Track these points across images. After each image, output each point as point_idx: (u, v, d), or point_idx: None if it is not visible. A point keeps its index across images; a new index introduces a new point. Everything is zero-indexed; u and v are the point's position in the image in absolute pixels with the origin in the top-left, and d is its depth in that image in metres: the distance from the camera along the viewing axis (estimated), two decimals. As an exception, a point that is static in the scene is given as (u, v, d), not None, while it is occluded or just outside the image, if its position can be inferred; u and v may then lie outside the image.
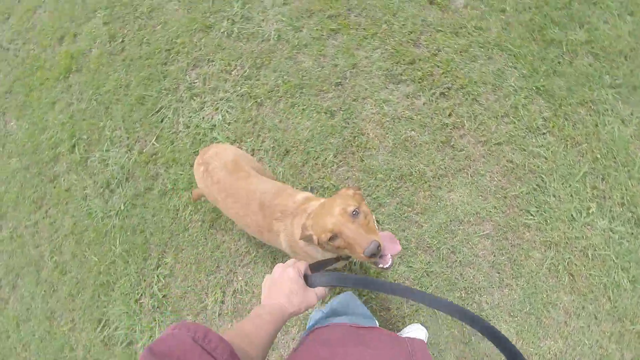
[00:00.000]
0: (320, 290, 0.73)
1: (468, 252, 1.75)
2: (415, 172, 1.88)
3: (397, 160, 1.91)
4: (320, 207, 1.07)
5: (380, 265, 0.96)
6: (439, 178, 1.87)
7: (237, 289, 1.86)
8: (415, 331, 1.63)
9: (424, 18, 2.14)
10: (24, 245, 2.28)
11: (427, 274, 1.74)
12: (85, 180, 2.26)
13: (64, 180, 2.32)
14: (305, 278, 0.74)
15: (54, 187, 2.33)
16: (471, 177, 1.86)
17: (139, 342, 1.89)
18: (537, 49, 2.00)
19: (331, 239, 0.97)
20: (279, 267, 0.74)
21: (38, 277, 2.18)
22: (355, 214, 0.97)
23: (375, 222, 1.78)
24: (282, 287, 0.70)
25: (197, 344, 0.45)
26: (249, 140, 2.08)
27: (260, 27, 2.32)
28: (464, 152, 1.89)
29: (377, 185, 1.88)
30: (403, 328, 1.68)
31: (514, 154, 1.86)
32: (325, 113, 2.05)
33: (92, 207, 2.19)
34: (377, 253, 0.91)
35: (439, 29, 2.11)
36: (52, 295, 2.12)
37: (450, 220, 1.79)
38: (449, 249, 1.76)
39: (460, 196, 1.83)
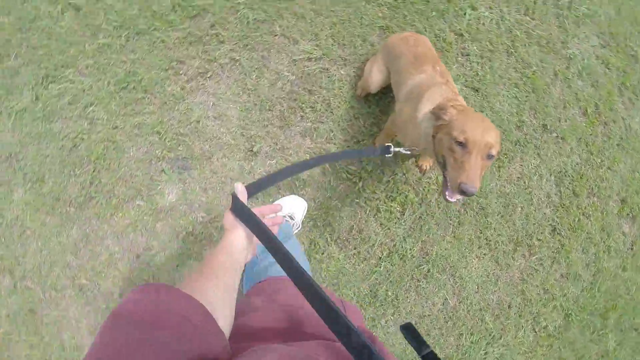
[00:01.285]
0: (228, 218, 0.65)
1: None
2: None
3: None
4: (473, 113, 1.01)
5: (448, 197, 0.95)
6: None
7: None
8: (293, 202, 1.55)
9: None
10: None
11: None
12: None
13: None
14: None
15: None
16: None
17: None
18: None
19: (460, 143, 0.91)
20: None
21: None
22: (490, 157, 0.93)
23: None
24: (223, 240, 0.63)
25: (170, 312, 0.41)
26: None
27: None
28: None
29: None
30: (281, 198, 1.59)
31: None
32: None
33: None
34: (465, 194, 0.88)
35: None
36: None
37: None
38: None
39: None
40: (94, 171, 1.62)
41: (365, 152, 1.34)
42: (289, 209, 1.51)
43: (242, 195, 0.68)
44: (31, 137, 1.69)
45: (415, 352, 0.49)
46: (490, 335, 1.75)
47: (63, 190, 1.66)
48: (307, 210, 1.59)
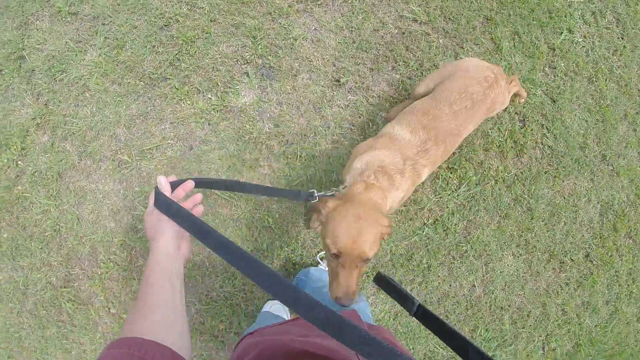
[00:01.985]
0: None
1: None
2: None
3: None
4: (354, 207, 0.90)
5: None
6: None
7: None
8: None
9: None
10: None
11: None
12: None
13: None
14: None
15: None
16: None
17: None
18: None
19: (334, 255, 0.86)
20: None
21: None
22: (366, 260, 0.86)
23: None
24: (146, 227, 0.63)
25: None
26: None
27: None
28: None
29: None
30: None
31: None
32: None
33: None
34: (343, 306, 0.84)
35: None
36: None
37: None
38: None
39: None
40: (177, 53, 1.61)
41: (290, 193, 1.10)
42: None
43: (166, 190, 0.65)
44: (126, 6, 1.69)
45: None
46: (502, 338, 1.72)
47: (139, 64, 1.64)
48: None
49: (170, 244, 0.60)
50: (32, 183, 1.74)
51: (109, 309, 1.70)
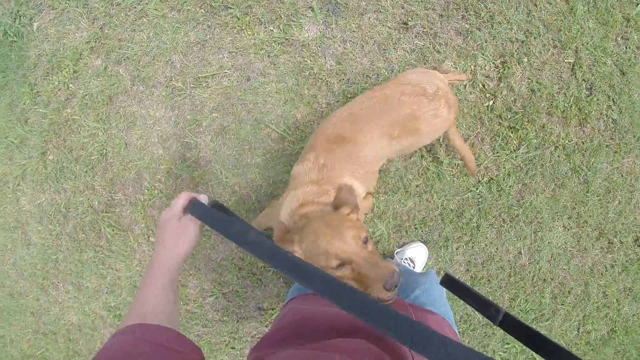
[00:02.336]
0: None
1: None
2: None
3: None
4: (316, 222, 0.85)
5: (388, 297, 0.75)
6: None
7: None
8: (415, 249, 1.52)
9: None
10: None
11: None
12: None
13: None
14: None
15: None
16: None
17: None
18: None
19: (339, 266, 0.78)
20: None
21: None
22: (365, 241, 0.80)
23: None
24: (160, 233, 0.69)
25: (147, 341, 0.50)
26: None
27: None
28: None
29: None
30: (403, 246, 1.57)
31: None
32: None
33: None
34: (397, 284, 0.73)
35: None
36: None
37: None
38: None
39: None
40: (240, -17, 1.57)
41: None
42: (411, 254, 1.50)
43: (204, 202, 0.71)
44: None
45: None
46: (540, 311, 1.68)
47: (201, -9, 1.60)
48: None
49: (188, 251, 0.68)
50: (81, 106, 1.73)
51: (149, 237, 1.70)
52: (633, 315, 1.79)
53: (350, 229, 0.80)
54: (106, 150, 1.70)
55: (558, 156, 1.61)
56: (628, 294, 1.76)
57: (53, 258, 1.84)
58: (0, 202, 1.90)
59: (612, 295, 1.74)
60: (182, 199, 0.69)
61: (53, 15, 1.75)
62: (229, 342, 1.70)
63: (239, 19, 1.56)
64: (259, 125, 1.53)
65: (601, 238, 1.70)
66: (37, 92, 1.77)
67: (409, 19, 1.52)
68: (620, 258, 1.73)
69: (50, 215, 1.81)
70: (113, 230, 1.72)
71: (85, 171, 1.73)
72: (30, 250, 1.87)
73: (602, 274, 1.72)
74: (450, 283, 0.50)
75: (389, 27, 1.51)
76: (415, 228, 1.54)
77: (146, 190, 1.66)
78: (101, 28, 1.73)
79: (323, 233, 0.81)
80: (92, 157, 1.72)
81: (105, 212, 1.73)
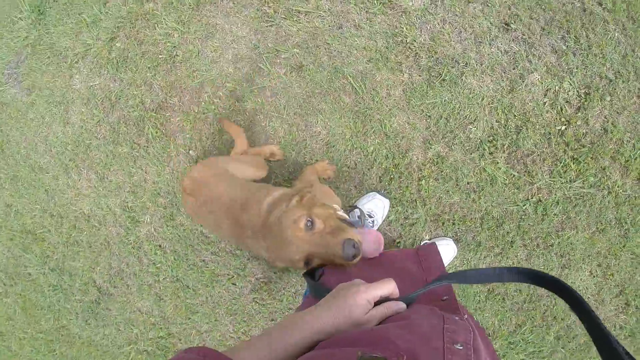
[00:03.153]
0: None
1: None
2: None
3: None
4: (269, 236, 0.93)
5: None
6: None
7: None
8: (443, 246, 1.50)
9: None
10: None
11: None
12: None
13: None
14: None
15: None
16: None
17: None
18: None
19: (307, 263, 0.81)
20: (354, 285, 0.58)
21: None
22: (309, 224, 0.81)
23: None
24: (339, 311, 0.55)
25: None
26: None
27: None
28: None
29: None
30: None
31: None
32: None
33: None
34: (358, 251, 0.76)
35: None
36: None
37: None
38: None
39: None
40: None
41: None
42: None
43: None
44: None
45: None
46: (541, 347, 1.66)
47: None
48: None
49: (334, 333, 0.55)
50: (166, 4, 1.72)
51: (189, 149, 1.68)
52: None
53: (291, 227, 0.81)
54: (176, 52, 1.69)
55: (608, 202, 1.60)
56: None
57: (87, 143, 1.82)
58: (53, 74, 1.88)
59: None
60: (385, 289, 0.58)
61: None
62: (233, 276, 1.67)
63: (349, -31, 1.55)
64: (337, 74, 1.52)
65: (620, 296, 1.68)
66: (126, -23, 1.77)
67: (512, 21, 1.52)
68: (631, 322, 1.71)
69: (98, 101, 1.80)
70: (157, 132, 1.70)
71: (149, 67, 1.72)
72: (66, 129, 1.85)
73: (610, 331, 1.70)
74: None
75: (491, 23, 1.51)
76: (453, 224, 1.53)
77: (203, 103, 1.65)
78: None
79: (276, 246, 0.86)
80: (160, 56, 1.71)
81: (155, 112, 1.71)
